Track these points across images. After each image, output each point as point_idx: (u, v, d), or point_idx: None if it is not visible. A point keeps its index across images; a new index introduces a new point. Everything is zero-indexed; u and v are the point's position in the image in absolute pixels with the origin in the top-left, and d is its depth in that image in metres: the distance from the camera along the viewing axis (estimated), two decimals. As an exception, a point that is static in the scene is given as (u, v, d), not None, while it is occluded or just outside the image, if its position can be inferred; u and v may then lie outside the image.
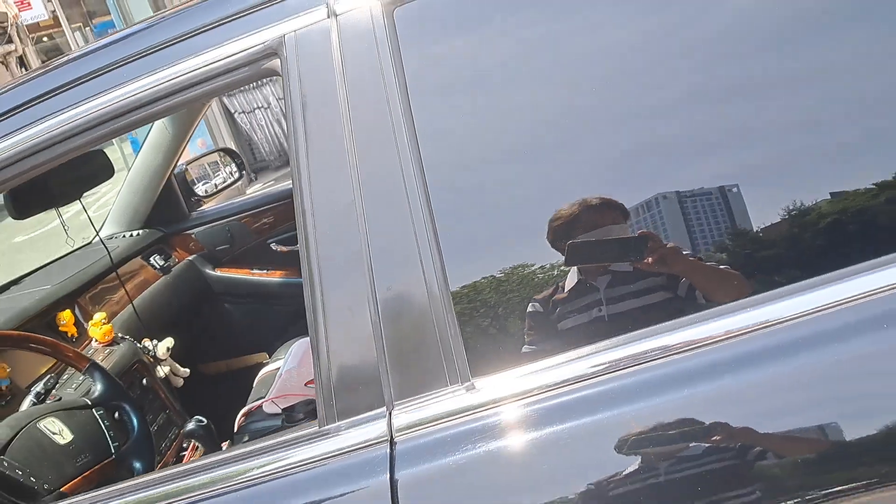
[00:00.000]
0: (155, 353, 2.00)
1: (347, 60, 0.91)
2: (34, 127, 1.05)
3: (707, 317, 0.81)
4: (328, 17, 0.92)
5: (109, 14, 6.36)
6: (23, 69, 18.54)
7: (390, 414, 0.86)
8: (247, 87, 7.18)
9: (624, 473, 0.79)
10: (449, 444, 0.84)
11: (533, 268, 0.88)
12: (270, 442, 0.92)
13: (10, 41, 17.86)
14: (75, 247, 2.37)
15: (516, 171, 0.90)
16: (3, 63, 17.88)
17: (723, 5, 0.88)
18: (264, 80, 7.05)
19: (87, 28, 6.42)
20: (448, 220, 0.87)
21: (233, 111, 6.99)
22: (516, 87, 0.90)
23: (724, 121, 0.85)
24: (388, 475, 0.84)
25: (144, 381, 1.90)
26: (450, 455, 0.83)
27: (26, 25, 18.55)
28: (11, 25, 17.90)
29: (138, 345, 1.97)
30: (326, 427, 0.88)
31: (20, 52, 18.37)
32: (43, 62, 16.39)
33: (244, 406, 1.83)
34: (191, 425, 1.62)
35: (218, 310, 2.49)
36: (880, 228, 0.80)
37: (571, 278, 0.86)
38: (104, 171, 1.93)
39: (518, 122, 0.90)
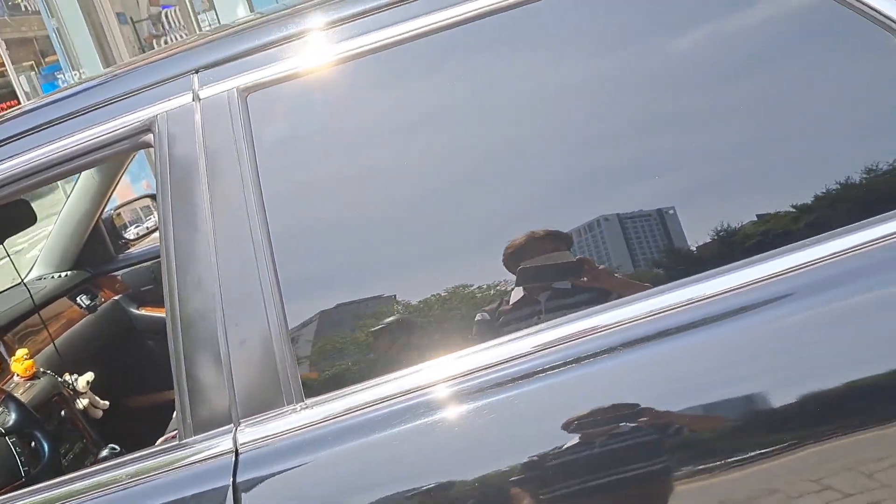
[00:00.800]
0: (75, 386, 2.14)
1: (207, 136, 1.10)
2: None
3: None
4: (192, 100, 1.12)
5: (56, 56, 6.49)
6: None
7: (236, 429, 1.04)
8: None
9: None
10: (285, 453, 1.02)
11: (358, 303, 1.08)
12: (141, 453, 1.09)
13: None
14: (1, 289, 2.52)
15: (344, 226, 1.10)
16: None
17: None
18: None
19: (33, 73, 6.52)
20: (288, 268, 1.06)
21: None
22: (344, 157, 1.11)
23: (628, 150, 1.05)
24: (232, 480, 1.02)
25: (63, 412, 2.04)
26: (286, 462, 1.02)
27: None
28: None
29: (59, 378, 2.12)
30: (185, 440, 1.06)
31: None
32: None
33: (163, 436, 1.98)
34: (104, 452, 1.77)
35: (141, 346, 2.64)
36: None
37: (516, 294, 1.04)
38: (27, 218, 2.09)
39: (341, 185, 1.10)
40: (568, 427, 0.95)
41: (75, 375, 2.17)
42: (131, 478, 1.07)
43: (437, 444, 0.99)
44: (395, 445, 1.00)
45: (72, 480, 1.11)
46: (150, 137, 1.13)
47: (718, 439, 0.95)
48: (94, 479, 1.09)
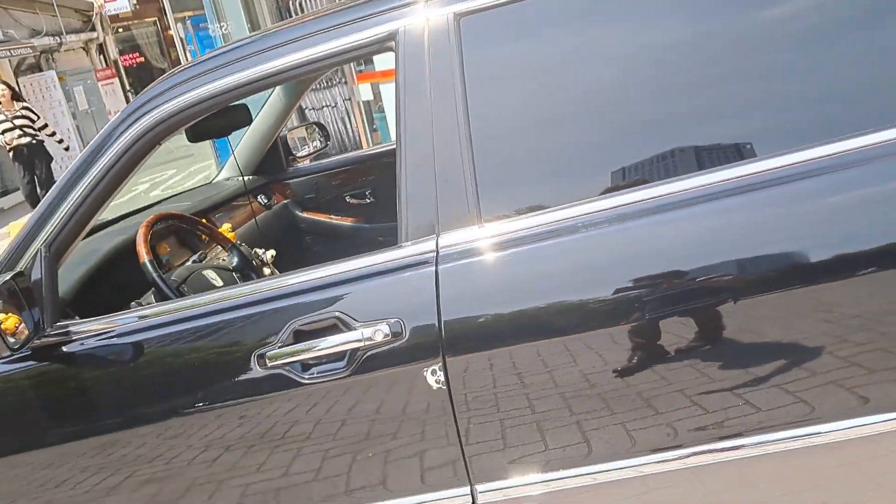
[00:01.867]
0: (263, 257, 2.75)
1: (431, 48, 1.63)
2: (227, 77, 1.75)
3: None
4: (423, 20, 1.65)
5: (200, 9, 7.21)
6: (101, 56, 19.78)
7: (437, 237, 1.58)
8: (317, 86, 8.01)
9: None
10: (467, 253, 1.55)
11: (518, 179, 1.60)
12: (367, 254, 1.64)
13: (93, 29, 19.12)
14: (201, 183, 3.17)
15: (526, 126, 1.61)
16: (84, 49, 19.14)
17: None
18: (333, 82, 7.89)
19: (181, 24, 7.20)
20: (479, 141, 1.58)
21: (304, 107, 7.82)
22: (539, 80, 1.62)
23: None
24: (434, 268, 1.56)
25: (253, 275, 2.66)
26: (468, 258, 1.54)
27: (108, 16, 19.79)
28: (96, 15, 19.14)
29: (252, 250, 2.73)
30: (402, 243, 1.61)
31: (101, 40, 19.63)
32: (119, 51, 17.22)
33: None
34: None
35: (301, 243, 3.25)
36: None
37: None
38: (245, 120, 2.70)
39: (536, 103, 1.61)
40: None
41: (263, 249, 2.78)
42: (364, 267, 1.62)
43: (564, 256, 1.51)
44: (538, 254, 1.52)
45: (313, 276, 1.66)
46: (392, 44, 1.67)
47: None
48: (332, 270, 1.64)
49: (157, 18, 24.86)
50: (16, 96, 9.81)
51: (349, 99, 7.96)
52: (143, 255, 2.04)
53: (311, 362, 1.59)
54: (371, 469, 1.63)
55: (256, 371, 1.61)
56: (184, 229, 2.43)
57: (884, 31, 1.47)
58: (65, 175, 1.78)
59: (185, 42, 6.56)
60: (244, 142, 3.15)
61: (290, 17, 7.87)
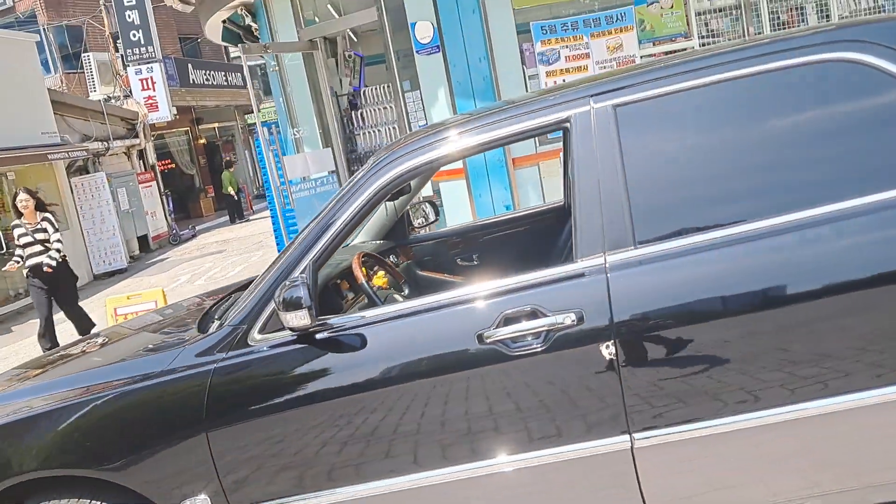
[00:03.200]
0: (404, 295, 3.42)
1: (597, 130, 2.36)
2: (449, 146, 2.49)
3: None
4: (590, 108, 2.38)
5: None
6: (140, 161, 20.91)
7: (605, 255, 2.26)
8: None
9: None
10: (625, 265, 2.23)
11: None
12: (546, 271, 2.32)
13: (136, 136, 20.34)
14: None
15: (666, 186, 2.32)
16: (126, 154, 20.29)
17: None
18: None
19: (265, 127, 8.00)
20: (636, 203, 2.29)
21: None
22: (670, 151, 2.33)
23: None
24: (605, 276, 2.23)
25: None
26: (626, 269, 2.22)
27: (150, 124, 21.08)
28: (140, 123, 20.42)
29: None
30: (576, 260, 2.28)
31: (142, 146, 20.83)
32: (158, 157, 18.21)
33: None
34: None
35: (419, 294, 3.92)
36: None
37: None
38: (407, 187, 3.44)
39: (668, 166, 2.32)
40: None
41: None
42: (553, 274, 2.29)
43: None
44: (673, 266, 2.20)
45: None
46: (567, 125, 2.40)
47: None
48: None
49: (188, 129, 26.33)
50: (39, 206, 8.17)
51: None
52: (361, 277, 2.72)
53: (516, 339, 2.24)
54: (552, 420, 2.25)
55: (476, 346, 2.26)
56: (372, 263, 3.14)
57: None
58: (325, 211, 2.48)
59: (269, 143, 7.41)
60: (377, 215, 3.88)
61: (351, 123, 8.82)
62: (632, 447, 2.23)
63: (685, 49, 7.50)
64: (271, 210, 7.93)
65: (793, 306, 2.15)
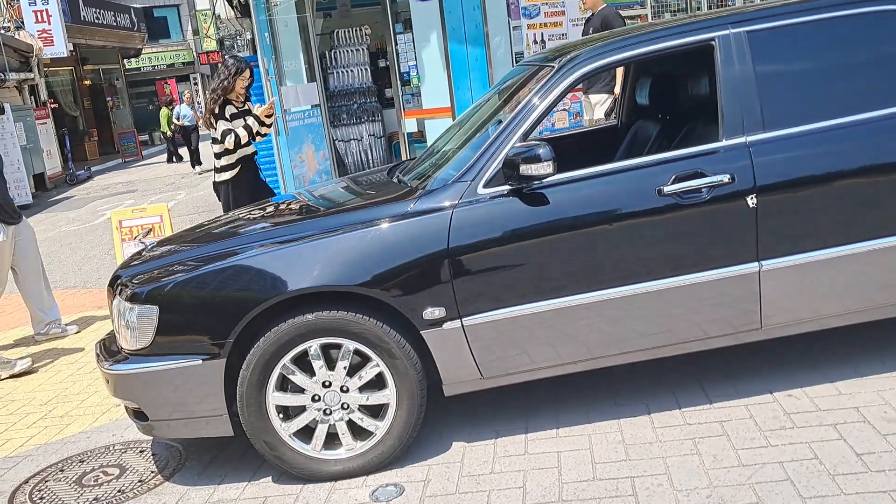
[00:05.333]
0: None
1: (736, 48, 3.28)
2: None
3: None
4: (731, 32, 3.30)
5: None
6: (32, 97, 20.03)
7: (745, 136, 3.20)
8: (348, 122, 9.44)
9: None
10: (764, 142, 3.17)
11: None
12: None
13: (29, 70, 19.45)
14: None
15: (784, 86, 3.27)
16: (17, 88, 19.39)
17: None
18: (362, 119, 9.37)
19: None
20: (766, 98, 3.23)
21: (334, 139, 9.25)
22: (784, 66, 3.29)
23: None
24: (748, 150, 3.16)
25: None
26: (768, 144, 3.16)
27: (44, 59, 20.19)
28: (34, 57, 19.54)
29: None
30: (721, 139, 3.20)
31: (36, 81, 19.94)
32: (49, 93, 17.82)
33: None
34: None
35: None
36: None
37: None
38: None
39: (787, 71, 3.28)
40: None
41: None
42: (711, 147, 3.19)
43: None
44: (791, 142, 3.17)
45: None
46: (713, 43, 3.28)
47: None
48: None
49: (73, 68, 25.19)
50: None
51: (373, 135, 9.43)
52: None
53: (686, 192, 3.13)
54: (708, 250, 3.16)
55: (656, 199, 3.13)
56: None
57: None
58: (525, 104, 3.25)
59: (268, 73, 7.85)
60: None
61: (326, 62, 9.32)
62: (759, 270, 3.18)
63: (640, 15, 8.63)
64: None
65: (875, 173, 3.17)
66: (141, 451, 3.76)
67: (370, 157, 9.41)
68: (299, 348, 3.16)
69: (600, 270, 3.18)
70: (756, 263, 3.19)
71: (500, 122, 3.52)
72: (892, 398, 3.19)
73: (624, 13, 8.44)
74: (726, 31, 3.29)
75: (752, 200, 3.13)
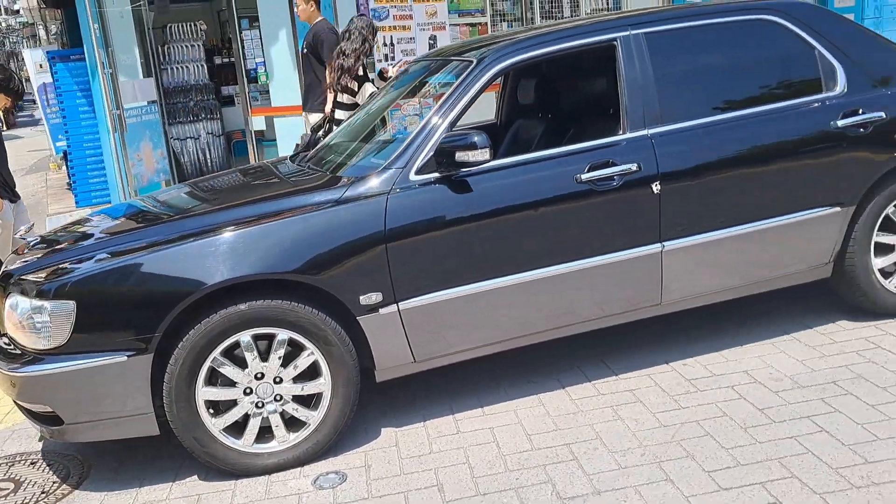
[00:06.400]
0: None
1: (634, 48, 3.60)
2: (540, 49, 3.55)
3: None
4: (631, 34, 3.61)
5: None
6: None
7: (648, 129, 3.51)
8: (184, 120, 9.05)
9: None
10: (665, 135, 3.50)
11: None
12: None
13: None
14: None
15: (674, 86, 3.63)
16: None
17: None
18: (200, 117, 9.01)
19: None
20: (663, 93, 3.57)
21: (170, 137, 8.80)
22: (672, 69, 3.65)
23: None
24: (651, 141, 3.48)
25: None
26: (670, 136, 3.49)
27: None
28: None
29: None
30: (623, 133, 3.50)
31: None
32: None
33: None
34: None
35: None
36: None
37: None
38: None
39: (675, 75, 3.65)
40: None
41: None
42: (613, 140, 3.47)
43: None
44: (685, 135, 3.54)
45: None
46: (615, 43, 3.57)
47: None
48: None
49: None
50: None
51: (211, 133, 9.11)
52: None
53: (601, 179, 3.39)
54: (617, 233, 3.44)
55: (574, 185, 3.36)
56: None
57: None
58: (450, 97, 3.36)
59: (104, 66, 7.34)
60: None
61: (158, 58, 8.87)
62: (662, 251, 3.51)
63: (480, 23, 9.02)
64: (98, 134, 7.81)
65: (756, 161, 3.60)
66: (32, 463, 3.44)
67: (209, 157, 9.05)
68: (231, 340, 3.06)
69: (525, 253, 3.35)
70: (659, 244, 3.50)
71: (419, 113, 3.61)
72: (773, 362, 3.63)
73: (465, 20, 8.81)
74: (627, 33, 3.60)
75: (656, 187, 3.44)
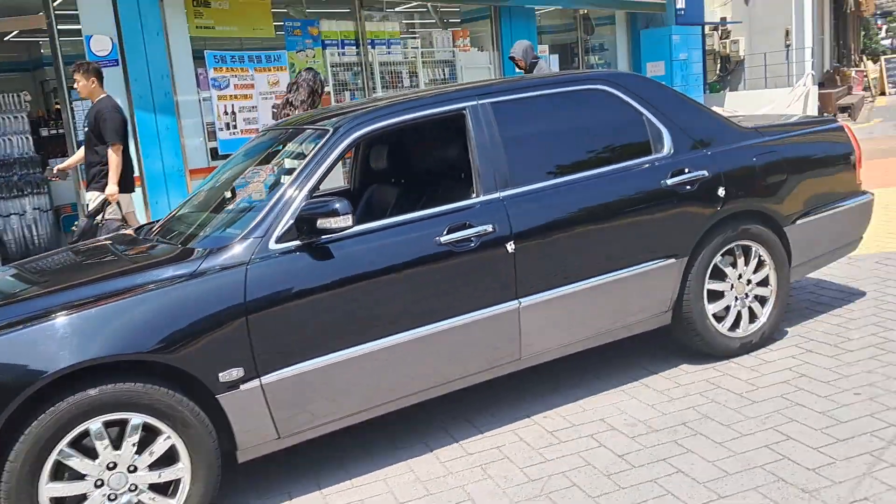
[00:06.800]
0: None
1: (483, 117, 3.76)
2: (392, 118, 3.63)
3: None
4: (476, 105, 3.76)
5: None
6: None
7: (500, 192, 3.66)
8: (8, 195, 8.43)
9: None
10: (516, 198, 3.65)
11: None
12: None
13: None
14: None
15: (524, 155, 3.81)
16: None
17: None
18: (25, 192, 8.43)
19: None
20: (512, 160, 3.73)
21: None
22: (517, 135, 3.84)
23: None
24: (503, 203, 3.62)
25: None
26: (517, 200, 3.65)
27: None
28: None
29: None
30: (477, 196, 3.63)
31: None
32: None
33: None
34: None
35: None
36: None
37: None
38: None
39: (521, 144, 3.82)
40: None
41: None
42: (465, 205, 3.58)
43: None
44: (536, 197, 3.72)
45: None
46: (465, 112, 3.71)
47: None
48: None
49: None
50: None
51: (38, 208, 8.57)
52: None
53: (459, 241, 3.47)
54: (475, 293, 3.52)
55: (434, 247, 3.43)
56: None
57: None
58: (306, 167, 3.36)
59: None
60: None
61: None
62: (519, 307, 3.63)
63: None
64: None
65: (599, 218, 3.83)
66: None
67: (35, 233, 8.46)
68: (80, 428, 2.85)
69: (390, 317, 3.36)
70: (516, 301, 3.62)
71: (276, 182, 3.58)
72: (627, 408, 3.81)
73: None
74: (475, 102, 3.76)
75: (510, 246, 3.57)
